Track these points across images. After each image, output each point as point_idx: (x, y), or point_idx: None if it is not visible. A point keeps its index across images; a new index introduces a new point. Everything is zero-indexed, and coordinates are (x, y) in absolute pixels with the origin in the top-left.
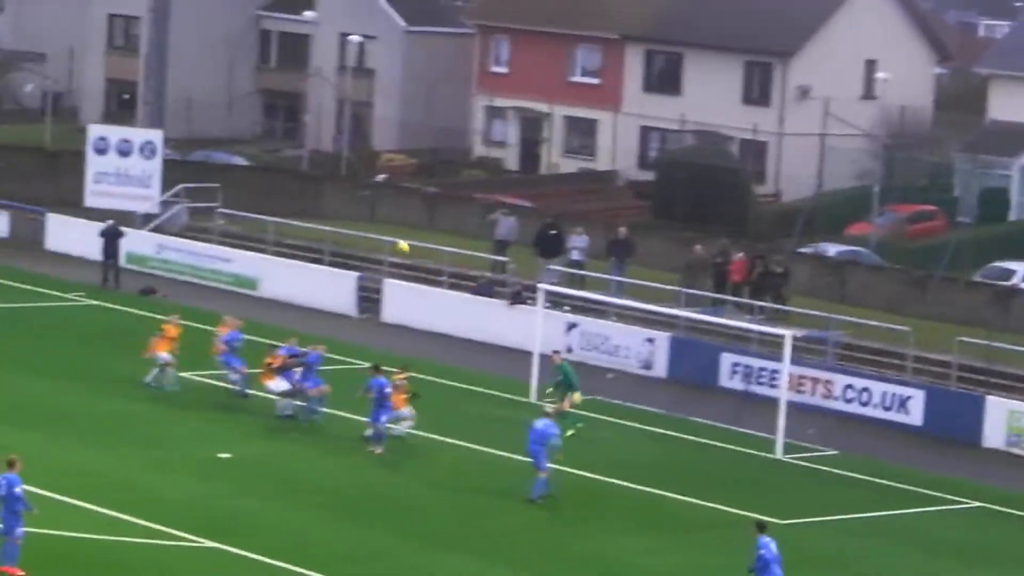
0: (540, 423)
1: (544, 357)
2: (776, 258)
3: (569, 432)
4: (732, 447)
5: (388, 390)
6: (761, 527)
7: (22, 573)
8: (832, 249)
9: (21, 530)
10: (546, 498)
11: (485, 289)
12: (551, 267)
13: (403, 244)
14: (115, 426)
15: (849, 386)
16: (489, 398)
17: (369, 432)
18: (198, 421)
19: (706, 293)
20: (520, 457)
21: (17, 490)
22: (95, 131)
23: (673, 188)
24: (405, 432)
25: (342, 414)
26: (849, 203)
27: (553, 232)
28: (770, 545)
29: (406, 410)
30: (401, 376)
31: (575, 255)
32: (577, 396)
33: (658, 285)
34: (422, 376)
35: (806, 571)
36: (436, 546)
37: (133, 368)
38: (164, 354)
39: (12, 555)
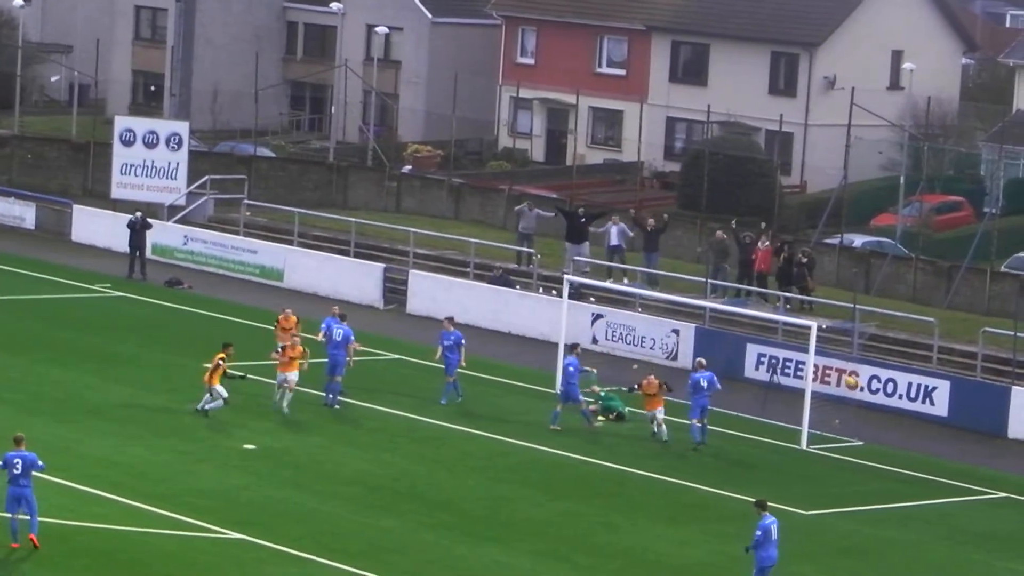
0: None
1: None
2: (802, 249)
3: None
4: (757, 438)
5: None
6: (762, 506)
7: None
8: (858, 240)
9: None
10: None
11: (502, 280)
12: (578, 257)
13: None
14: (141, 417)
15: (874, 377)
16: (514, 389)
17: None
18: (224, 412)
19: (731, 284)
20: (545, 448)
21: (40, 463)
22: (122, 123)
23: (699, 179)
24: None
25: (366, 405)
26: (875, 194)
27: (583, 220)
28: (771, 528)
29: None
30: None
31: (614, 240)
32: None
33: (685, 276)
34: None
35: (831, 561)
36: (463, 537)
37: (160, 359)
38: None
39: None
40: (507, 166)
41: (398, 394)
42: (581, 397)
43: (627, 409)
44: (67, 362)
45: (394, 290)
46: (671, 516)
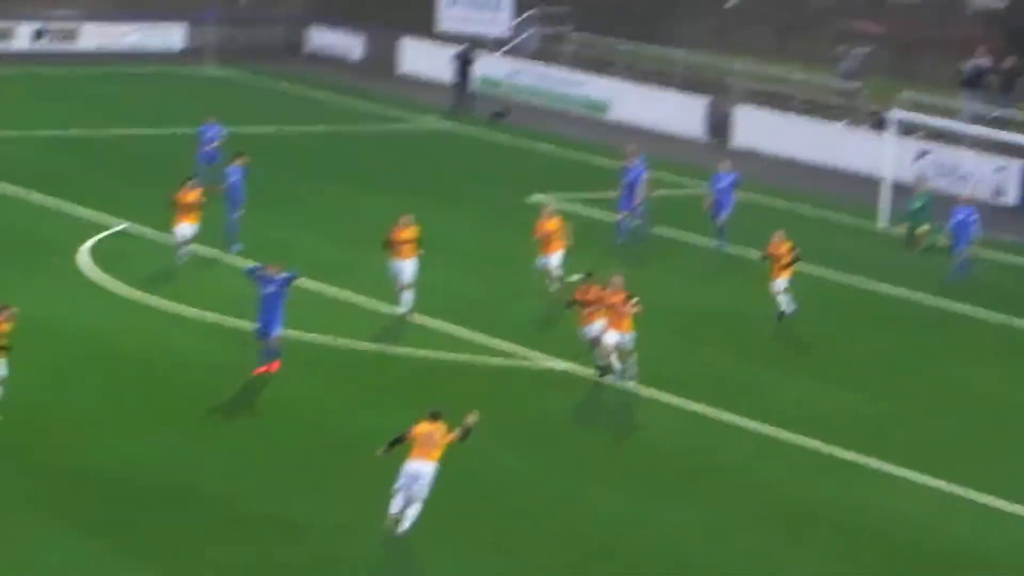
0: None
1: (896, 186)
2: None
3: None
4: None
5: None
6: None
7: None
8: None
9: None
10: None
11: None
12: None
13: None
14: (466, 247)
15: None
16: (837, 225)
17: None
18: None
19: None
20: (868, 282)
21: (295, 282)
22: None
23: None
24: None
25: (686, 240)
26: None
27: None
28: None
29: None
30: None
31: None
32: (926, 227)
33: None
34: (773, 200)
35: None
36: (784, 368)
37: (483, 191)
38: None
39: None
40: (832, 1)
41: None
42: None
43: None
44: (393, 193)
45: (718, 124)
46: (1000, 353)
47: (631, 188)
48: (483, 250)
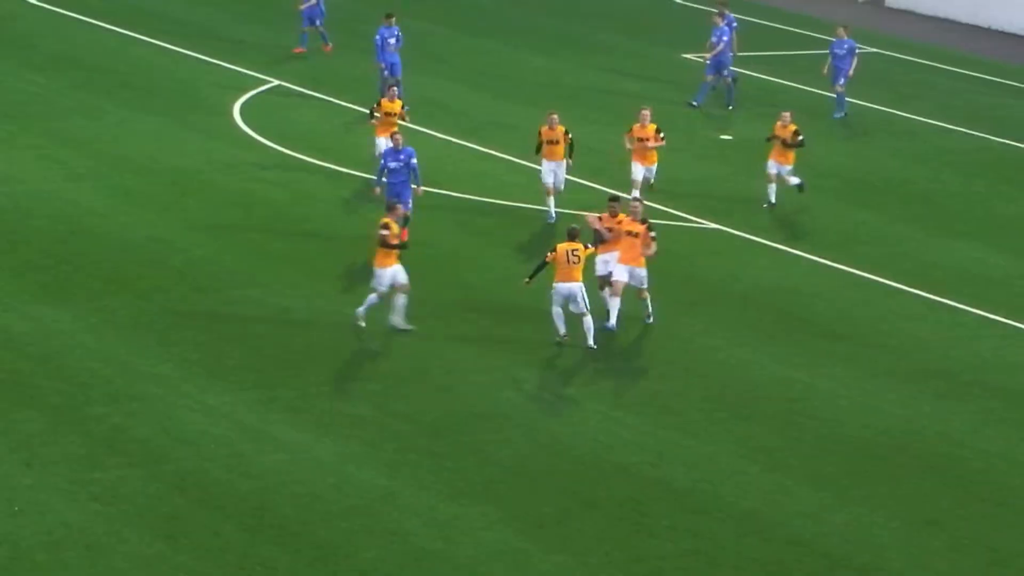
0: None
1: None
2: None
3: None
4: None
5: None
6: None
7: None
8: None
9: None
10: None
11: None
12: None
13: None
14: (618, 106)
15: None
16: (992, 85)
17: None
18: (708, 107)
19: None
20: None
21: (413, 161)
22: None
23: None
24: None
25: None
26: None
27: None
28: None
29: None
30: None
31: None
32: None
33: None
34: (928, 62)
35: None
36: (937, 231)
37: (639, 47)
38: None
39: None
40: None
41: (874, 87)
42: None
43: None
44: (547, 49)
45: None
46: None
47: (716, 49)
48: (633, 107)
